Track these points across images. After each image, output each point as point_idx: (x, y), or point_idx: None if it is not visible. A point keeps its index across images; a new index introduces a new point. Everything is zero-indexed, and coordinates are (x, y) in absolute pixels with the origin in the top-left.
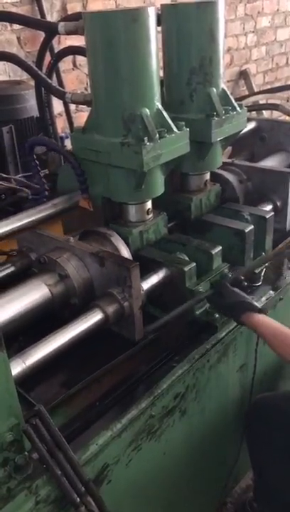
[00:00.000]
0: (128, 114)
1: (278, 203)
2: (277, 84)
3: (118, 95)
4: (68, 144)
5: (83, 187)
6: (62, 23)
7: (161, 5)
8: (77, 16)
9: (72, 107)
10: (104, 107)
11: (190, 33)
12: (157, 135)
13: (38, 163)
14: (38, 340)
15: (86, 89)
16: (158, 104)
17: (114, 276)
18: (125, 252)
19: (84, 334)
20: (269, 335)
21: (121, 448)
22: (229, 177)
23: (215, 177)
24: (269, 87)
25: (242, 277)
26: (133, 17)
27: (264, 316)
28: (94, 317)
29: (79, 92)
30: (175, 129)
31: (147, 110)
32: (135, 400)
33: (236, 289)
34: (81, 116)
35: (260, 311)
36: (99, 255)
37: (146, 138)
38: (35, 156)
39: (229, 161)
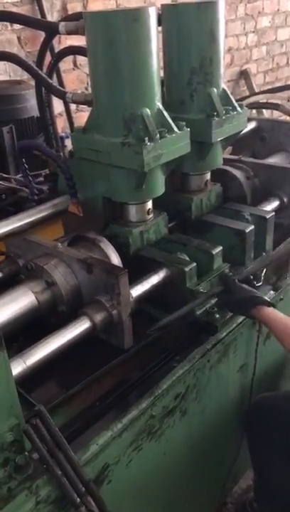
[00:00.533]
0: (128, 114)
1: (285, 199)
2: (278, 84)
3: (119, 95)
4: (68, 143)
5: (72, 191)
6: (62, 23)
7: (162, 5)
8: (77, 16)
9: (73, 106)
10: (105, 107)
11: (190, 33)
12: (158, 135)
13: (26, 166)
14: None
15: (86, 89)
16: (159, 104)
17: (102, 283)
18: (115, 259)
19: (71, 343)
20: (279, 329)
21: (122, 448)
22: (237, 173)
23: (222, 173)
24: (269, 87)
25: (252, 276)
26: (134, 17)
27: (273, 309)
28: (81, 326)
29: (79, 91)
30: (175, 129)
31: (148, 110)
32: (135, 400)
33: (244, 285)
34: (81, 116)
35: (270, 304)
36: (88, 262)
37: (146, 138)
38: (24, 160)
39: (236, 157)
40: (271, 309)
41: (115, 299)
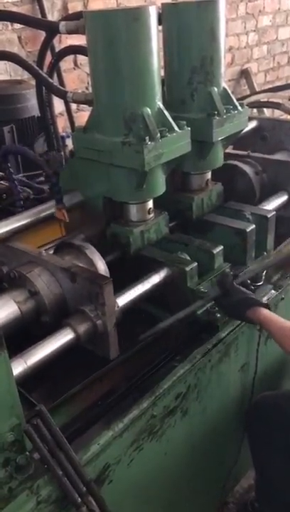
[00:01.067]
0: (129, 114)
1: None
2: (278, 83)
3: (119, 94)
4: (69, 143)
5: (58, 197)
6: (63, 23)
7: (162, 4)
8: (78, 15)
9: (73, 106)
10: (105, 107)
11: (191, 32)
12: (158, 134)
13: (12, 171)
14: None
15: (87, 88)
16: (160, 104)
17: (86, 292)
18: (101, 266)
19: (53, 355)
20: (274, 329)
21: (123, 448)
22: (246, 168)
23: (232, 169)
24: (270, 86)
25: (249, 281)
26: (134, 16)
27: (268, 311)
28: (64, 337)
29: (80, 91)
30: (176, 128)
31: (148, 109)
32: (136, 400)
33: (241, 287)
34: (82, 115)
35: (265, 306)
36: (71, 271)
37: (147, 137)
38: (9, 165)
39: (245, 153)
40: (265, 310)
41: (99, 309)
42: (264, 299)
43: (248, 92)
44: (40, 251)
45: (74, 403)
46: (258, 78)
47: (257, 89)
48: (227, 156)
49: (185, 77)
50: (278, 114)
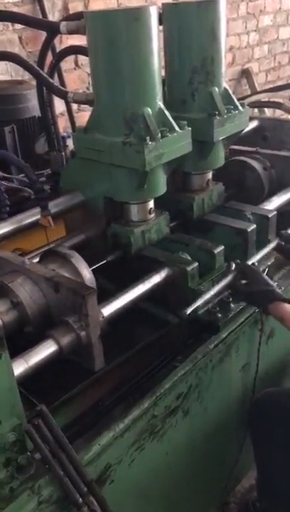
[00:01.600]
0: (130, 114)
1: None
2: (279, 83)
3: (120, 94)
4: (70, 143)
5: (42, 204)
6: (63, 23)
7: (163, 4)
8: (78, 16)
9: (74, 106)
10: (106, 107)
11: (191, 32)
12: (159, 134)
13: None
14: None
15: (88, 88)
16: (160, 104)
17: (69, 303)
18: (87, 275)
19: (34, 368)
20: None
21: (124, 448)
22: (255, 164)
23: (240, 164)
24: (271, 85)
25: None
26: (135, 16)
27: (289, 305)
28: (47, 349)
29: (81, 91)
30: (177, 128)
31: (149, 109)
32: (137, 400)
33: (265, 276)
34: (83, 115)
35: (288, 301)
36: (54, 280)
37: (148, 137)
38: None
39: (253, 149)
40: (287, 305)
41: (83, 320)
42: None
43: (249, 92)
44: (24, 259)
45: (75, 403)
46: (259, 78)
47: (258, 89)
48: (236, 152)
49: (186, 77)
50: (279, 113)
